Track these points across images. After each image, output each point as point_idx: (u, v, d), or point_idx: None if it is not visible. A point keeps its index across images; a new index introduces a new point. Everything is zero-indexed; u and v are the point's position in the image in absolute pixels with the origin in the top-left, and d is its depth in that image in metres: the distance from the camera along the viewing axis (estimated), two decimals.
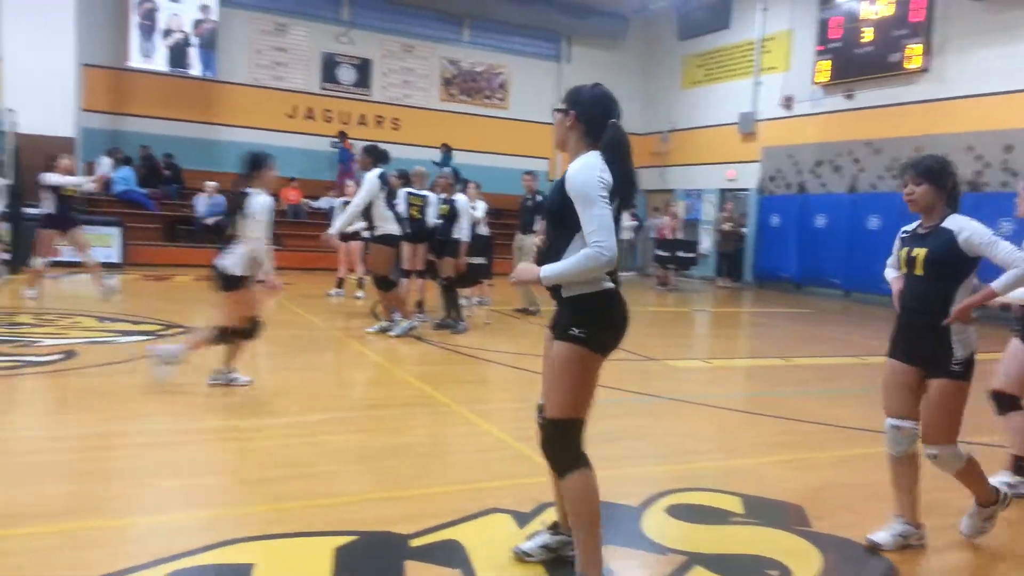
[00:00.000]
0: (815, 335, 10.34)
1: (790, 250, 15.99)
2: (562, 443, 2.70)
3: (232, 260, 5.27)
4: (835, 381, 7.22)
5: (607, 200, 2.53)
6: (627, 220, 16.00)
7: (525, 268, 2.68)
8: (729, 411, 5.70)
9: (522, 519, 3.35)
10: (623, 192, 2.63)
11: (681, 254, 15.98)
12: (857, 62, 14.96)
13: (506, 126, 19.54)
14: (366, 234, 9.05)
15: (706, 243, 18.04)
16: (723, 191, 18.36)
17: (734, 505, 3.68)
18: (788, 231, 16.08)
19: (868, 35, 14.74)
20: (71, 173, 9.23)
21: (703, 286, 16.86)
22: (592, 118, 2.69)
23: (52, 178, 8.94)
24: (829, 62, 15.55)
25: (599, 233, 2.49)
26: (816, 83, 15.87)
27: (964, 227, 3.09)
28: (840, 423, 5.36)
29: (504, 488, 3.74)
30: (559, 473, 2.72)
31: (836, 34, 15.42)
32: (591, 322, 2.62)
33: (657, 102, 20.45)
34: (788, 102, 16.63)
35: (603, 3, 19.68)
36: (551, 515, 3.12)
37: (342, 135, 17.26)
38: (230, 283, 5.31)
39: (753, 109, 17.51)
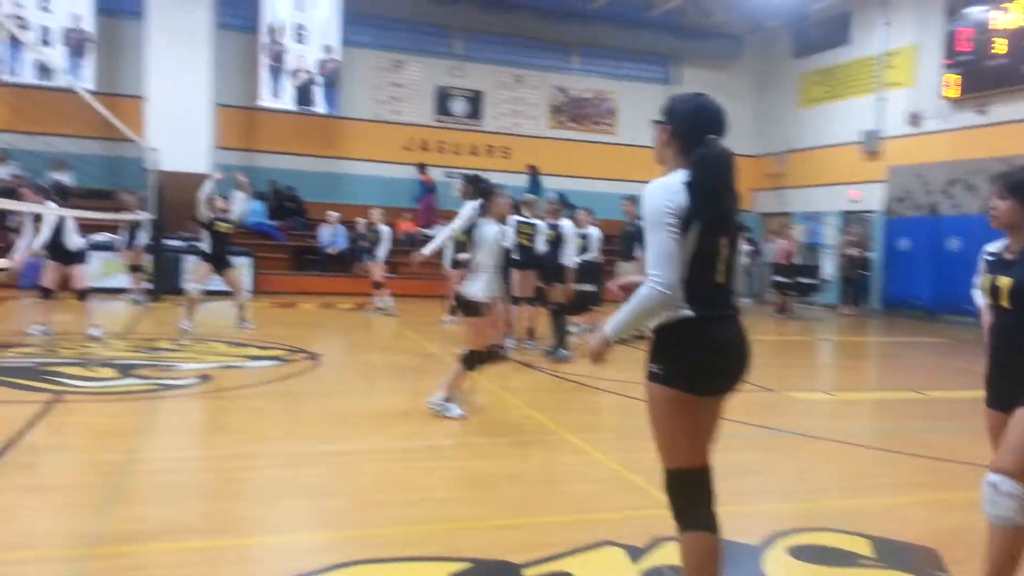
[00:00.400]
0: (951, 367, 9.69)
1: (921, 275, 15.11)
2: (669, 494, 2.48)
3: (475, 287, 5.54)
4: (974, 417, 6.72)
5: (673, 228, 2.31)
6: (741, 244, 15.52)
7: (594, 338, 2.52)
8: (855, 447, 5.41)
9: (635, 553, 3.29)
10: (711, 216, 2.36)
11: (803, 280, 15.37)
12: (989, 75, 14.08)
13: (615, 151, 19.50)
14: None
15: (828, 268, 17.30)
16: (846, 213, 17.61)
17: (861, 547, 3.49)
18: (919, 255, 15.22)
19: (1001, 46, 13.85)
20: (224, 211, 9.72)
21: (825, 313, 16.16)
22: (688, 132, 2.43)
23: (203, 209, 9.40)
24: (958, 76, 14.72)
25: (654, 265, 2.30)
26: (945, 98, 15.05)
27: None
28: (980, 462, 4.98)
29: (617, 520, 3.70)
30: (676, 524, 2.49)
31: (965, 46, 14.58)
32: (667, 356, 2.38)
33: (772, 122, 19.91)
34: (915, 119, 15.83)
35: (716, 25, 19.42)
36: (672, 554, 3.03)
37: (421, 167, 17.73)
38: (472, 309, 5.55)
39: (877, 127, 16.76)
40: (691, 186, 2.34)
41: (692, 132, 2.43)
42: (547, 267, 8.84)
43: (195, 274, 9.68)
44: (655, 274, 2.30)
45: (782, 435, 5.66)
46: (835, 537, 3.60)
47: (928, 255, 14.97)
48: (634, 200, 10.68)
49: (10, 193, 10.29)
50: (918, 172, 15.75)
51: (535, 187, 17.01)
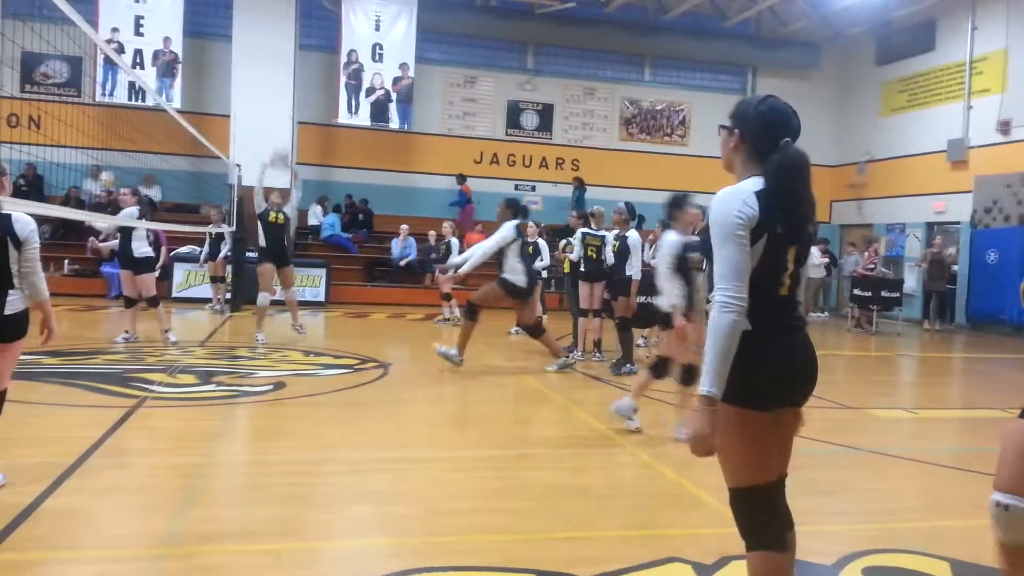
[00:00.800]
0: None
1: (1011, 289, 14.38)
2: (734, 512, 2.37)
3: (662, 299, 5.61)
4: None
5: (743, 239, 2.18)
6: (817, 257, 15.03)
7: (692, 416, 2.27)
8: (937, 467, 5.19)
9: (703, 571, 3.22)
10: (788, 225, 2.23)
11: (885, 294, 14.78)
12: None
13: (688, 163, 19.25)
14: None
15: (911, 281, 16.63)
16: (930, 224, 16.94)
17: (941, 570, 3.34)
18: (1008, 268, 14.49)
19: None
20: (279, 204, 9.58)
21: (908, 328, 15.54)
22: (759, 137, 2.31)
23: (257, 198, 9.45)
24: None
25: (724, 279, 2.17)
26: None
27: None
28: None
29: (684, 536, 3.63)
30: (744, 542, 2.38)
31: None
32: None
33: (852, 131, 19.34)
34: (1005, 127, 15.13)
35: (793, 33, 19.01)
36: (741, 572, 2.94)
37: (461, 178, 17.81)
38: (667, 320, 5.58)
39: (964, 135, 16.09)
40: (765, 194, 2.21)
41: (764, 135, 2.31)
42: (614, 279, 8.77)
43: (261, 280, 9.52)
44: (725, 288, 2.17)
45: (860, 453, 5.46)
46: (913, 559, 3.45)
47: (1017, 268, 14.24)
48: (702, 210, 10.51)
49: (113, 203, 10.90)
50: (1007, 182, 15.04)
51: (580, 199, 17.01)
